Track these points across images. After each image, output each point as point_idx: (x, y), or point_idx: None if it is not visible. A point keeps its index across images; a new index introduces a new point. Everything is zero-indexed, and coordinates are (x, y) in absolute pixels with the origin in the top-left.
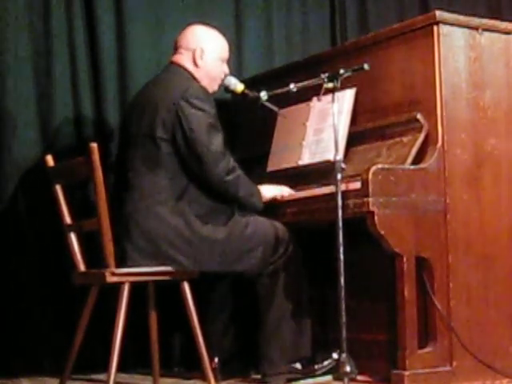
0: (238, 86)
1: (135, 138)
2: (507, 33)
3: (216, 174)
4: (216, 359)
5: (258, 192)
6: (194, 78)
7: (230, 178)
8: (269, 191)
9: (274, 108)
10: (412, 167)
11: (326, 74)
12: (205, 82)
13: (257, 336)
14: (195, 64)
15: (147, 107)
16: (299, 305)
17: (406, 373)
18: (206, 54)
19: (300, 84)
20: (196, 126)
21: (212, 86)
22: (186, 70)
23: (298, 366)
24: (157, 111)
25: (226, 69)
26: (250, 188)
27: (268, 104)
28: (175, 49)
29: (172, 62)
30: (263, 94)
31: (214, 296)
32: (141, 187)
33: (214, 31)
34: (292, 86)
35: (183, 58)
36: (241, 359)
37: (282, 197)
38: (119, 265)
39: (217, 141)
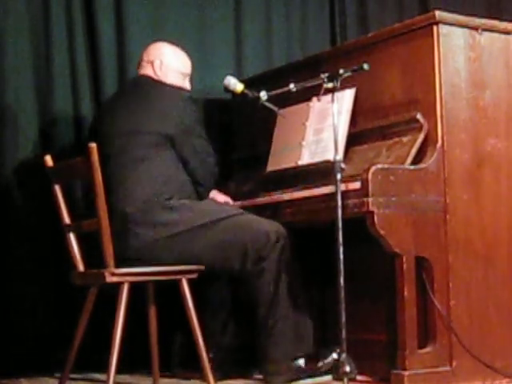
0: (238, 86)
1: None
2: (507, 33)
3: (201, 193)
4: (210, 355)
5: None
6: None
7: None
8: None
9: (274, 108)
10: (412, 167)
11: (326, 74)
12: None
13: (256, 337)
14: (155, 75)
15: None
16: (295, 301)
17: (406, 373)
18: (164, 65)
19: (300, 84)
20: (193, 155)
21: None
22: (151, 78)
23: (302, 362)
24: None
25: (188, 85)
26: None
27: (268, 104)
28: (138, 63)
29: (140, 75)
30: (263, 94)
31: (213, 295)
32: (133, 188)
33: (175, 47)
34: (292, 86)
35: (146, 69)
36: (241, 358)
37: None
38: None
39: (211, 171)
